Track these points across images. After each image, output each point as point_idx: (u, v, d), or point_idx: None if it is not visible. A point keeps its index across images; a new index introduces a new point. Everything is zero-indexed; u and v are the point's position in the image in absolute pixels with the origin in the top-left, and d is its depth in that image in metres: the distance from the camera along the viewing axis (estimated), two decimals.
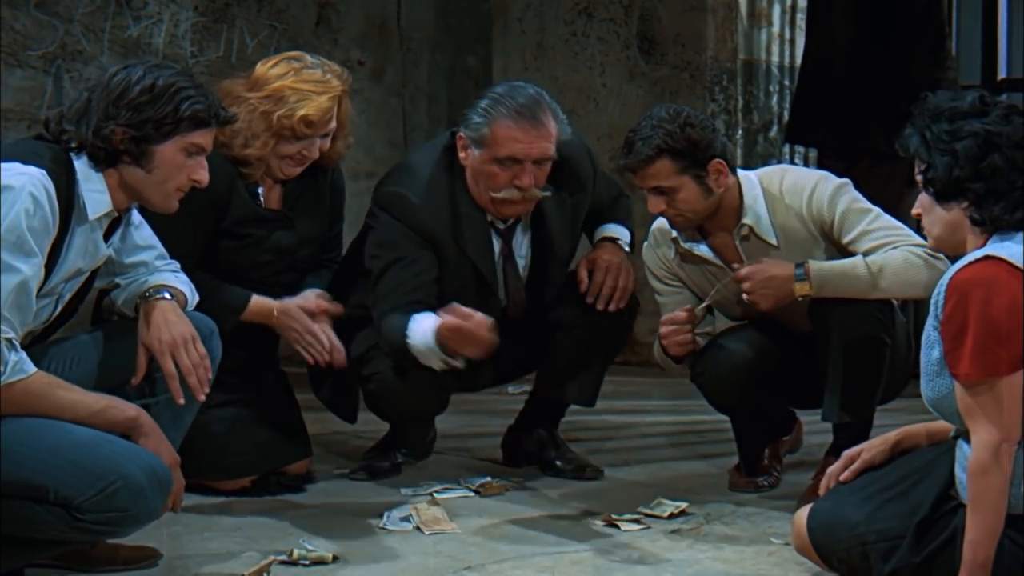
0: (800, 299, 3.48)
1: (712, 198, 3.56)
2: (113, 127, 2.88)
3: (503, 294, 3.87)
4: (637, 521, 3.46)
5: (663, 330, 3.62)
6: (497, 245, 3.86)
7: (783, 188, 3.62)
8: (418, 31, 6.52)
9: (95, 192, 2.92)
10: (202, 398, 3.05)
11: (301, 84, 3.70)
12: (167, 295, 3.08)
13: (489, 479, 3.88)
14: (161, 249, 3.20)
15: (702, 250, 3.65)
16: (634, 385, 4.60)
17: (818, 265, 3.49)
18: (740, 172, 3.65)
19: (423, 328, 3.52)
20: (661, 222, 3.74)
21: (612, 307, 3.80)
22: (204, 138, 2.98)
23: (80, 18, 5.52)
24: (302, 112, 3.67)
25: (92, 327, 3.23)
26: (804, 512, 2.93)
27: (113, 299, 3.17)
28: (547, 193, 3.78)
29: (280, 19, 6.07)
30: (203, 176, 3.00)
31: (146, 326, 3.03)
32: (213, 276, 3.66)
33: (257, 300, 3.72)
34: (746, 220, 3.59)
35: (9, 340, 2.74)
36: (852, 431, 3.50)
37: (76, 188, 2.89)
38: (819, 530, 2.88)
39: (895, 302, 3.52)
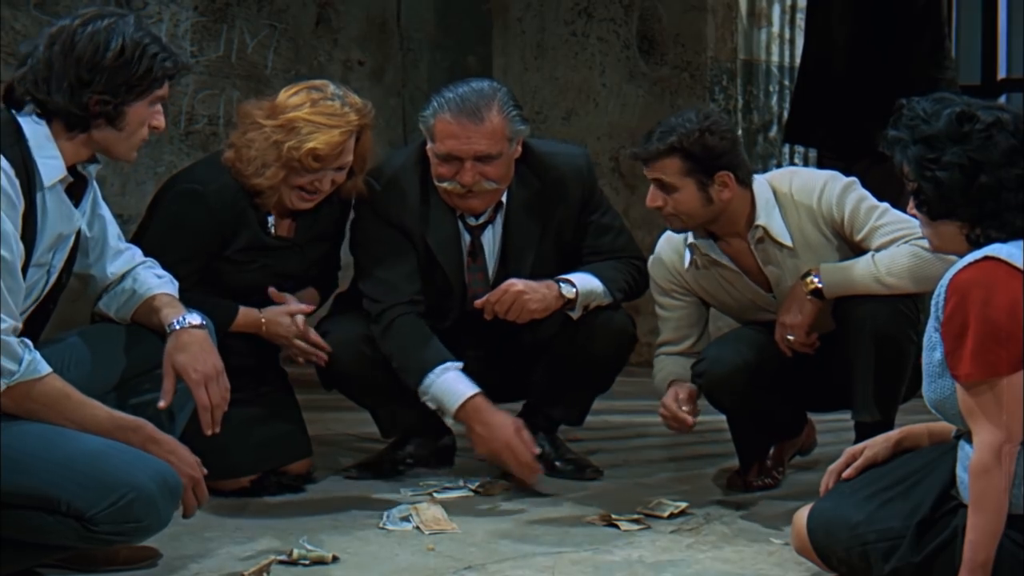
0: (810, 294, 3.51)
1: (711, 208, 3.56)
2: (90, 95, 2.89)
3: (464, 290, 3.88)
4: (637, 521, 3.46)
5: (665, 414, 3.66)
6: (466, 241, 3.88)
7: (793, 190, 3.63)
8: (418, 31, 6.51)
9: (49, 159, 2.90)
10: (214, 431, 3.07)
11: (315, 116, 3.63)
12: (198, 319, 3.09)
13: (489, 479, 3.88)
14: (116, 227, 3.21)
15: (719, 255, 3.66)
16: (634, 385, 4.59)
17: (826, 265, 3.53)
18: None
19: (455, 390, 3.68)
20: (668, 234, 3.75)
21: (487, 316, 3.76)
22: (167, 89, 3.00)
23: None
24: (309, 145, 3.60)
25: (80, 329, 3.22)
26: (804, 512, 2.93)
27: (104, 308, 3.18)
28: (497, 186, 3.78)
29: (280, 19, 6.06)
30: (161, 121, 3.02)
31: (180, 352, 3.04)
32: (213, 293, 3.66)
33: (244, 313, 3.71)
34: (759, 222, 3.59)
35: (22, 340, 2.75)
36: (876, 431, 3.48)
37: (30, 156, 2.88)
38: (819, 530, 2.88)
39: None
